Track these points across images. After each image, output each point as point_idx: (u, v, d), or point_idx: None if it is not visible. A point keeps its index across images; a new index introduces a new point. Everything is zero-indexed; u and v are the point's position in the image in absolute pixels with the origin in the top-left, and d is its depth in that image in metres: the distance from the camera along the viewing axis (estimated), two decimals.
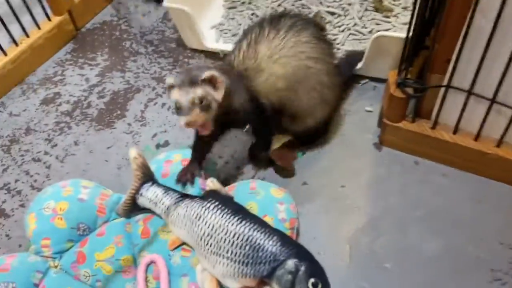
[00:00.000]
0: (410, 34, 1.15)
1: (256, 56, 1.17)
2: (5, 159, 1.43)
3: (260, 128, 1.25)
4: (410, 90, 1.21)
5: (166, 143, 1.43)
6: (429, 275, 1.09)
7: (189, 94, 1.02)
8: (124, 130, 1.48)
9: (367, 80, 1.53)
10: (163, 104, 1.55)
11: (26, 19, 1.62)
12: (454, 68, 1.12)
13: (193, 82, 1.03)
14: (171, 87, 1.06)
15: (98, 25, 1.87)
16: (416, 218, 1.19)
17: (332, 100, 1.30)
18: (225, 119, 1.13)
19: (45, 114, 1.55)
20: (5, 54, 1.59)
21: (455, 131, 1.23)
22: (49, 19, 1.71)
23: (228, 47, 1.56)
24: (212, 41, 1.68)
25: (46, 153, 1.43)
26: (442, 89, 1.18)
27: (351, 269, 1.11)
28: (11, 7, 1.57)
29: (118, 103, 1.56)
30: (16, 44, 1.62)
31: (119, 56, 1.72)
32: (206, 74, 1.04)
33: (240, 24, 1.75)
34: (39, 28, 1.68)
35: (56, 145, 1.45)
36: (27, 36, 1.65)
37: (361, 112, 1.44)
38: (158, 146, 1.43)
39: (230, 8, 1.83)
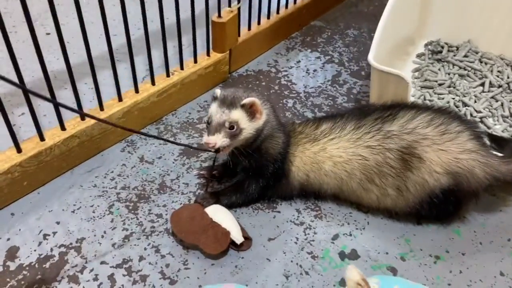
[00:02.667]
0: None
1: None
2: (129, 220, 1.05)
3: (254, 183, 1.08)
4: None
5: (355, 254, 1.01)
6: None
7: (223, 116, 0.97)
8: (291, 217, 1.07)
9: None
10: None
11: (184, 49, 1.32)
12: None
13: (232, 104, 0.98)
14: (215, 98, 1.01)
15: (253, 73, 1.56)
16: None
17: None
18: (244, 152, 1.03)
19: (185, 169, 1.18)
20: (153, 83, 1.28)
21: None
22: (208, 54, 1.42)
23: None
24: None
25: None
26: None
27: None
28: (179, 30, 1.26)
29: None
30: (168, 75, 1.32)
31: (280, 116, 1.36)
32: (247, 100, 0.98)
33: None
34: (195, 61, 1.38)
35: None
36: (181, 68, 1.35)
37: None
38: (342, 256, 1.01)
39: (423, 87, 1.48)
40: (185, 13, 1.26)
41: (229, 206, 1.07)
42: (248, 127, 0.98)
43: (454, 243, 1.03)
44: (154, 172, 1.16)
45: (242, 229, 1.02)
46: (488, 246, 1.03)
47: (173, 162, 1.19)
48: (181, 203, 1.09)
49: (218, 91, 1.01)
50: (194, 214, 1.00)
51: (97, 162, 1.17)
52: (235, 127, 0.97)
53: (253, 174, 1.07)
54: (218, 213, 1.02)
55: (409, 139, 0.99)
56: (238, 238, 0.98)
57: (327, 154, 1.04)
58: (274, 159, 1.05)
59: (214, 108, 0.99)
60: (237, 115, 0.97)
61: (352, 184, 1.04)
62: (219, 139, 0.95)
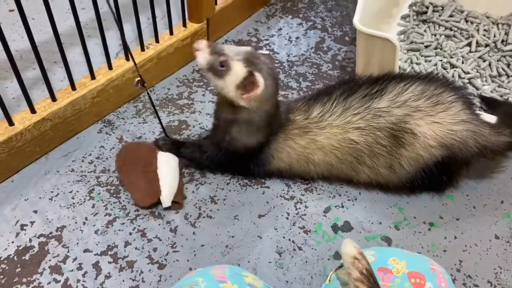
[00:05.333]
0: None
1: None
2: (111, 205, 0.99)
3: (213, 154, 1.02)
4: None
5: (348, 226, 0.99)
6: None
7: (230, 54, 0.89)
8: (280, 192, 1.03)
9: None
10: None
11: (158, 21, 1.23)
12: None
13: (250, 63, 0.89)
14: (257, 48, 0.95)
15: (233, 43, 1.48)
16: None
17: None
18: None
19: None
20: (127, 59, 1.20)
21: None
22: (184, 25, 1.33)
23: None
24: None
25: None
26: None
27: None
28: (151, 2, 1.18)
29: None
30: (143, 49, 1.24)
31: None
32: (258, 77, 0.88)
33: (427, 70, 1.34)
34: (171, 33, 1.30)
35: (184, 197, 1.02)
36: (157, 41, 1.27)
37: None
38: (335, 228, 0.98)
39: (410, 50, 1.44)
40: None
41: (189, 160, 1.04)
42: (230, 87, 0.90)
43: (448, 209, 1.01)
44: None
45: (180, 193, 0.98)
46: (482, 210, 1.01)
47: (154, 141, 1.13)
48: None
49: (264, 51, 0.96)
50: (143, 155, 0.97)
51: (74, 146, 1.10)
52: (224, 69, 0.89)
53: (216, 143, 1.02)
54: (165, 166, 0.98)
55: (399, 113, 0.95)
56: (165, 202, 0.96)
57: (318, 145, 0.98)
58: (236, 147, 0.99)
59: (244, 48, 0.93)
60: (237, 69, 0.89)
61: (343, 167, 1.00)
62: (204, 52, 0.90)
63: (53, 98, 1.05)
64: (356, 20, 1.17)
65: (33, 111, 1.01)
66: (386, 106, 0.96)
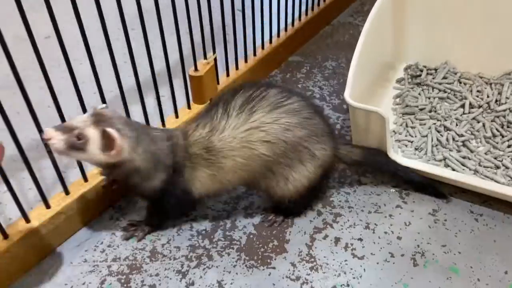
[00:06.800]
0: None
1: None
2: None
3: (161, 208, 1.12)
4: None
5: None
6: None
7: (80, 123, 0.92)
8: (286, 272, 1.06)
9: None
10: (337, 240, 1.14)
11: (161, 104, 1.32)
12: None
13: (98, 122, 0.92)
14: (93, 108, 0.96)
15: None
16: None
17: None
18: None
19: (175, 232, 1.17)
20: None
21: None
22: (189, 107, 1.42)
23: (422, 166, 1.25)
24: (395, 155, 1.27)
25: None
26: None
27: None
28: (155, 81, 1.25)
29: (273, 230, 1.17)
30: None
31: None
32: (110, 131, 0.91)
33: (424, 136, 1.38)
34: (177, 116, 1.38)
35: (192, 283, 1.05)
36: (163, 125, 1.34)
37: None
38: None
39: (405, 114, 1.49)
40: (160, 65, 1.25)
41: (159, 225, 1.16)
42: (96, 154, 0.93)
43: (452, 282, 1.02)
44: (144, 239, 1.14)
45: None
46: (487, 281, 1.02)
47: (163, 225, 1.18)
48: (174, 270, 1.07)
49: (103, 106, 0.98)
50: None
51: (86, 235, 1.15)
52: (82, 141, 0.91)
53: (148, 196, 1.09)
54: None
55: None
56: None
57: (225, 169, 1.05)
58: (152, 193, 1.04)
59: (84, 115, 0.96)
60: (92, 134, 0.92)
61: (256, 176, 1.09)
62: (57, 138, 0.90)
63: (66, 192, 1.11)
64: (347, 95, 1.23)
65: (48, 206, 1.08)
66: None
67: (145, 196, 1.10)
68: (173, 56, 1.27)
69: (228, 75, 1.55)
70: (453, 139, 1.37)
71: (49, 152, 1.02)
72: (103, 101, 1.10)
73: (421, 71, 1.65)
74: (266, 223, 1.17)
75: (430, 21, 1.65)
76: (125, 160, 0.96)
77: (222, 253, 1.11)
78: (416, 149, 1.35)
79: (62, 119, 1.03)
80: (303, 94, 1.30)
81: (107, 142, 0.92)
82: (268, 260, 1.09)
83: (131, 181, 1.01)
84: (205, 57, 1.42)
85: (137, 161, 0.98)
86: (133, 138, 0.96)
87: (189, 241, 1.14)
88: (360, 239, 1.13)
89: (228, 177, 1.06)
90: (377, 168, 1.29)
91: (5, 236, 1.01)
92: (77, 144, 0.91)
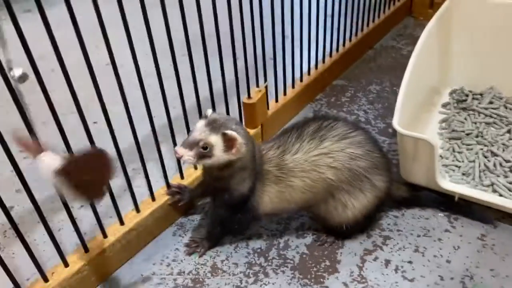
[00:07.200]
0: None
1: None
2: None
3: (218, 219, 1.24)
4: None
5: None
6: None
7: (202, 135, 1.04)
8: None
9: None
10: (387, 262, 1.20)
11: None
12: None
13: (216, 129, 1.04)
14: (204, 117, 1.08)
15: None
16: None
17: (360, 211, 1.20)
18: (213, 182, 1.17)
19: (233, 249, 1.26)
20: (182, 177, 1.38)
21: None
22: None
23: (470, 191, 1.29)
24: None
25: None
26: None
27: None
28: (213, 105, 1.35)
29: (325, 250, 1.24)
30: None
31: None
32: (230, 133, 1.03)
33: (472, 161, 1.42)
34: None
35: None
36: None
37: None
38: None
39: (451, 139, 1.53)
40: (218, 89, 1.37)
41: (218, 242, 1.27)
42: (221, 156, 1.05)
43: None
44: (205, 254, 1.24)
45: None
46: None
47: (221, 242, 1.27)
48: (233, 285, 1.16)
49: (209, 111, 1.10)
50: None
51: (153, 249, 1.26)
52: (208, 149, 1.03)
53: (218, 205, 1.21)
54: None
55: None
56: None
57: (294, 188, 1.15)
58: (238, 198, 1.14)
59: (199, 125, 1.06)
60: (215, 140, 1.04)
61: (317, 199, 1.18)
62: (187, 154, 1.03)
63: (137, 210, 1.23)
64: (395, 122, 1.29)
65: (122, 223, 1.20)
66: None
67: (228, 203, 1.17)
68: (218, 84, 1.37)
69: (276, 100, 1.65)
70: (500, 164, 1.40)
71: (126, 174, 1.15)
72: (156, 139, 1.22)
73: (467, 96, 1.69)
74: (318, 242, 1.25)
75: (475, 46, 1.69)
76: (241, 157, 1.07)
77: (277, 271, 1.19)
78: (463, 174, 1.39)
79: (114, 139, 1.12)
80: (366, 129, 1.40)
81: (228, 143, 1.04)
82: (321, 280, 1.16)
83: (227, 184, 1.12)
84: (257, 85, 1.53)
85: (245, 158, 1.09)
86: (245, 136, 1.09)
87: (245, 258, 1.23)
88: (410, 262, 1.19)
89: (295, 196, 1.15)
90: (422, 205, 1.35)
91: (86, 250, 1.13)
92: (205, 153, 1.04)
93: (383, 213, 1.31)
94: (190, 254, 1.24)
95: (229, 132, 1.04)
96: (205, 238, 1.26)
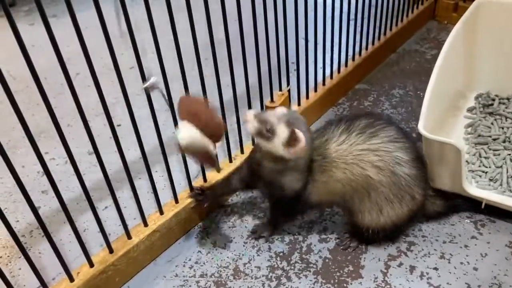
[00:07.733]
0: None
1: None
2: None
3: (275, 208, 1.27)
4: None
5: None
6: None
7: (275, 120, 1.04)
8: None
9: None
10: (412, 268, 1.18)
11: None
12: None
13: (288, 123, 1.04)
14: (288, 109, 1.11)
15: None
16: None
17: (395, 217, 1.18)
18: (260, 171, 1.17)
19: (255, 252, 1.26)
20: (219, 171, 1.39)
21: None
22: None
23: (497, 197, 1.26)
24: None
25: None
26: None
27: None
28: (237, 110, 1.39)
29: (348, 255, 1.23)
30: (231, 160, 1.43)
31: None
32: (298, 134, 1.03)
33: (499, 167, 1.39)
34: (253, 143, 1.49)
35: None
36: (242, 152, 1.45)
37: None
38: None
39: (477, 144, 1.50)
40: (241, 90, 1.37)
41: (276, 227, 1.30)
42: (277, 146, 1.05)
43: None
44: (227, 257, 1.24)
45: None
46: None
47: (244, 245, 1.27)
48: None
49: (295, 108, 1.18)
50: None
51: (176, 251, 1.27)
52: (271, 134, 1.04)
53: (269, 197, 1.26)
54: None
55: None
56: None
57: (336, 178, 1.15)
58: (290, 193, 1.15)
59: (280, 110, 1.07)
60: (281, 132, 1.04)
61: (354, 197, 1.16)
62: (252, 124, 1.04)
63: (161, 212, 1.25)
64: (421, 126, 1.27)
65: (145, 224, 1.21)
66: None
67: (280, 196, 1.18)
68: (242, 87, 1.37)
69: (299, 104, 1.64)
70: None
71: (150, 176, 1.16)
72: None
73: (493, 100, 1.65)
74: (341, 247, 1.23)
75: (502, 50, 1.65)
76: (296, 159, 1.08)
77: (300, 275, 1.18)
78: (490, 179, 1.36)
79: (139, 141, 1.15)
80: (414, 138, 1.37)
81: (291, 141, 1.04)
82: (344, 285, 1.15)
83: (283, 180, 1.13)
84: (280, 89, 1.53)
85: (299, 161, 1.10)
86: (309, 143, 1.09)
87: (268, 262, 1.22)
88: (436, 269, 1.16)
89: (336, 187, 1.14)
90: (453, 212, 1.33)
91: (111, 251, 1.15)
92: (265, 134, 1.05)
93: None
94: (257, 238, 1.28)
95: (299, 132, 1.04)
96: (268, 224, 1.29)
